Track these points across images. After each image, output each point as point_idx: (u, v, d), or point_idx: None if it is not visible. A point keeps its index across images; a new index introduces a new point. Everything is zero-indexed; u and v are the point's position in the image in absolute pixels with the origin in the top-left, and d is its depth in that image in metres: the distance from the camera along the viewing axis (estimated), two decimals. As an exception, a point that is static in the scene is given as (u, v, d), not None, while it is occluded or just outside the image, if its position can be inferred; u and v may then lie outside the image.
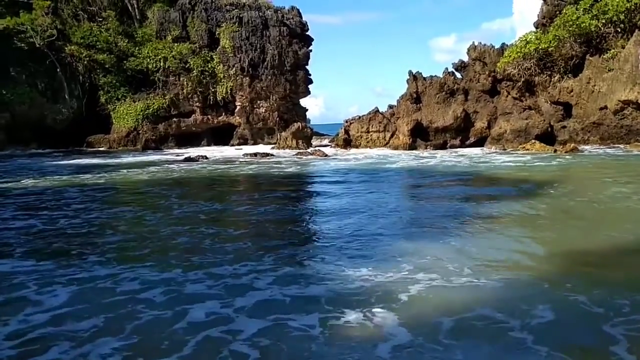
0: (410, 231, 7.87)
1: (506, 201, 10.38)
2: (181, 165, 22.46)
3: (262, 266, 6.00)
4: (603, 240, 7.06)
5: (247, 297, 4.97)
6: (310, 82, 38.18)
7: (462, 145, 30.65)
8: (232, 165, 22.11)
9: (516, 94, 30.23)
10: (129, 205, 11.13)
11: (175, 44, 35.37)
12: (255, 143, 35.60)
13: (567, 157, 21.46)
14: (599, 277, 5.40)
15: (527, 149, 25.19)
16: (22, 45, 32.46)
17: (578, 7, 27.09)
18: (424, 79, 33.25)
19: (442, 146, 30.53)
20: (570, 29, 26.72)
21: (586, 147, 24.74)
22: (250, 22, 35.75)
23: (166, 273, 5.77)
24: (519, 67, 28.86)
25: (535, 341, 3.91)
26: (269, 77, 35.25)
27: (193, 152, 29.97)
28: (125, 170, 19.86)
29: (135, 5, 37.51)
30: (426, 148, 29.93)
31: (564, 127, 28.23)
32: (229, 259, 6.32)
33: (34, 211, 10.09)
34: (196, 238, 7.56)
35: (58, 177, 17.23)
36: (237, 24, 35.69)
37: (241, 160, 25.47)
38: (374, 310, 4.56)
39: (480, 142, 30.90)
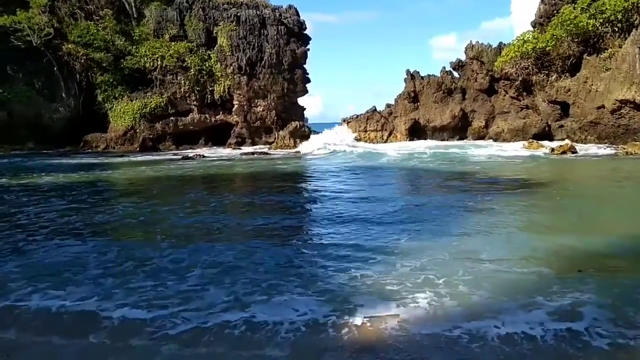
0: (414, 230, 7.87)
1: (502, 204, 10.39)
2: (178, 164, 22.40)
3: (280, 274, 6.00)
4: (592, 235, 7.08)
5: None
6: (308, 81, 38.10)
7: (460, 144, 30.65)
8: (231, 164, 22.09)
9: (514, 93, 30.27)
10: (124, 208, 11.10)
11: (173, 43, 35.23)
12: (252, 142, 35.53)
13: (563, 156, 21.51)
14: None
15: (525, 148, 25.24)
16: (19, 43, 32.31)
17: (575, 6, 27.09)
18: (422, 78, 33.28)
19: (440, 145, 30.52)
20: (568, 28, 26.72)
21: (583, 145, 24.76)
22: (247, 20, 35.64)
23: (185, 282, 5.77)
24: (517, 66, 28.90)
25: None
26: (267, 76, 35.16)
27: (190, 151, 29.98)
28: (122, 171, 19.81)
29: (133, 4, 37.36)
30: (424, 147, 29.88)
31: (562, 126, 28.28)
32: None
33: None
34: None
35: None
36: (234, 22, 35.58)
37: (239, 159, 25.46)
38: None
39: (477, 141, 30.89)
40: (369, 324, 4.35)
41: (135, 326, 4.42)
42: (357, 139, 33.43)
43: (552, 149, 23.52)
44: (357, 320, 4.42)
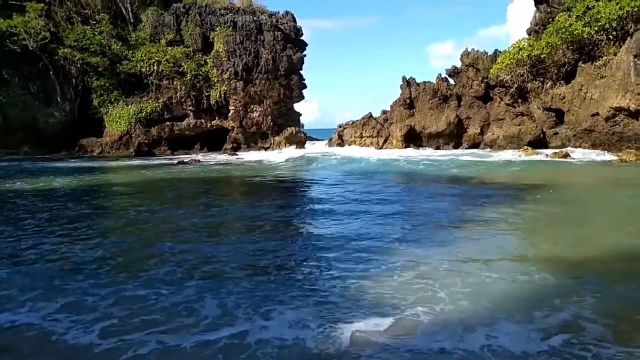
0: (411, 241, 7.86)
1: (499, 211, 10.41)
2: (177, 169, 22.35)
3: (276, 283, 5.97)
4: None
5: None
6: (304, 86, 38.17)
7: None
8: (227, 170, 22.06)
9: (509, 100, 30.38)
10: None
11: (169, 48, 35.25)
12: (248, 147, 35.53)
13: (558, 163, 21.59)
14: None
15: (520, 155, 25.32)
16: (15, 47, 32.23)
17: (570, 14, 27.27)
18: (418, 84, 33.37)
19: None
20: (563, 36, 26.89)
21: (578, 153, 24.83)
22: (244, 26, 35.70)
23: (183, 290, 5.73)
24: (512, 73, 29.02)
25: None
26: (263, 82, 35.21)
27: (186, 156, 29.95)
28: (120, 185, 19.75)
29: (129, 9, 37.36)
30: (419, 153, 29.91)
31: (556, 133, 28.39)
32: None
33: None
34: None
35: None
36: (231, 28, 35.64)
37: (234, 164, 25.43)
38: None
39: (473, 148, 30.99)
40: (363, 336, 4.32)
41: (121, 340, 4.38)
42: (352, 145, 33.49)
43: (547, 156, 23.62)
44: (350, 332, 4.39)
